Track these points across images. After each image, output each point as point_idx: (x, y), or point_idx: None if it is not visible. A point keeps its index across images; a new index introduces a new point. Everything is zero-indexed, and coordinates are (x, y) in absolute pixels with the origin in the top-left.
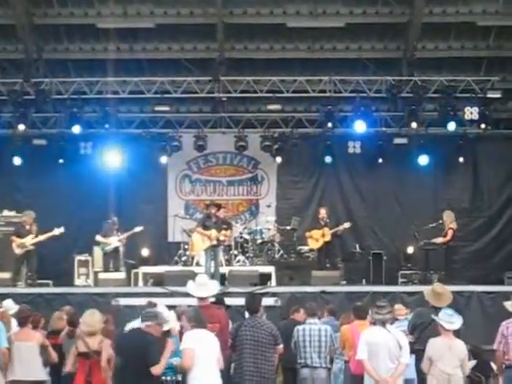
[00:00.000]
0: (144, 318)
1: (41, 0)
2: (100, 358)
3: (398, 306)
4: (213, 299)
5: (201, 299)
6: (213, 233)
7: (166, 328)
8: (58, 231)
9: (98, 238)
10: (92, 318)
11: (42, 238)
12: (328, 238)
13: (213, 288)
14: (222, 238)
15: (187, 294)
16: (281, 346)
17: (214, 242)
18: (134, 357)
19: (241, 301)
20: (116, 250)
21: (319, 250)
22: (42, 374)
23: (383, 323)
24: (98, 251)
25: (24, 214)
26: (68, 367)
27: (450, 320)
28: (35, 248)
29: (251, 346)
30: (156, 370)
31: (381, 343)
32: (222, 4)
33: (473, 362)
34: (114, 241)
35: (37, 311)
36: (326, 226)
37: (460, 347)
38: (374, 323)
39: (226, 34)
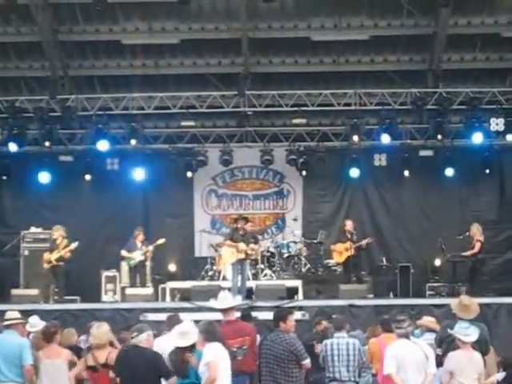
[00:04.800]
0: (136, 331)
1: (66, 17)
2: (108, 372)
3: (431, 319)
4: (239, 314)
5: (226, 314)
6: (241, 246)
7: (190, 342)
8: (73, 245)
9: (123, 252)
10: (99, 331)
11: (61, 253)
12: (352, 252)
13: (232, 300)
14: (249, 251)
15: (214, 309)
16: (306, 362)
17: (242, 255)
18: (144, 372)
19: (268, 315)
20: (142, 264)
21: (344, 264)
22: None
23: (406, 336)
24: (124, 267)
25: (54, 228)
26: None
27: (466, 332)
28: (63, 264)
29: (269, 360)
30: (172, 381)
31: (407, 356)
32: (246, 19)
33: (502, 374)
34: (138, 255)
35: (64, 328)
36: (351, 240)
37: (479, 360)
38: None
39: (250, 48)
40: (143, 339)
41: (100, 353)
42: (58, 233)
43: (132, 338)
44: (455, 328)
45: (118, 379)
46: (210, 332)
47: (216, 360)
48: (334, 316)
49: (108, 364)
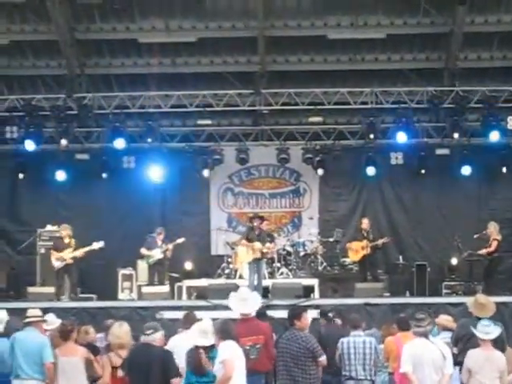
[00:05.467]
0: (151, 328)
1: (83, 15)
2: None
3: (448, 317)
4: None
5: (243, 314)
6: (256, 245)
7: (211, 342)
8: (97, 245)
9: (143, 250)
10: (120, 330)
11: (81, 251)
12: (367, 251)
13: (254, 303)
14: (265, 250)
15: (232, 309)
16: (322, 359)
17: (258, 255)
18: (153, 369)
19: (284, 313)
20: (161, 262)
21: (360, 263)
22: None
23: (425, 335)
24: (141, 265)
25: (61, 227)
26: (105, 380)
27: (486, 330)
28: (75, 262)
29: (286, 358)
30: (177, 381)
31: (424, 355)
32: (263, 17)
33: None
34: (158, 253)
35: (80, 325)
36: (367, 238)
37: (499, 359)
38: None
39: (267, 46)
40: (157, 338)
41: (124, 352)
42: (66, 232)
43: (147, 335)
44: (477, 326)
45: (127, 377)
46: (225, 330)
47: (231, 358)
48: (330, 314)
49: None
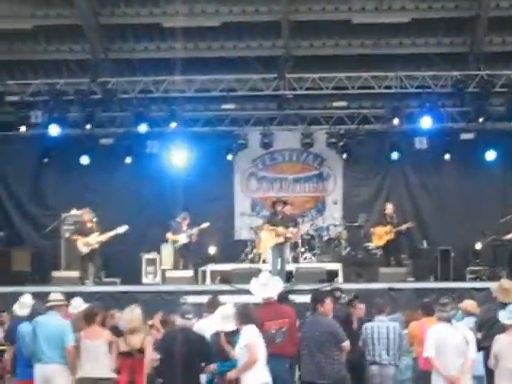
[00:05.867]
0: (191, 313)
1: (107, 0)
2: (143, 357)
3: (472, 302)
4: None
5: (265, 299)
6: (280, 230)
7: (234, 327)
8: (120, 229)
9: (169, 235)
10: (132, 315)
11: (106, 236)
12: (391, 236)
13: (276, 287)
14: (288, 235)
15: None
16: (346, 344)
17: (282, 239)
18: (191, 354)
19: (308, 298)
20: (186, 247)
21: (384, 248)
22: (110, 371)
23: (448, 320)
24: (165, 249)
25: (82, 212)
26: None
27: (510, 316)
28: (100, 247)
29: (310, 344)
30: (213, 367)
31: (448, 340)
32: (287, 1)
33: None
34: (183, 238)
35: (105, 310)
36: (391, 224)
37: None
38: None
39: (291, 31)
40: (194, 323)
41: (134, 337)
42: (88, 217)
43: (187, 318)
44: (502, 311)
45: (160, 359)
46: (245, 315)
47: (255, 342)
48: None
49: (143, 349)
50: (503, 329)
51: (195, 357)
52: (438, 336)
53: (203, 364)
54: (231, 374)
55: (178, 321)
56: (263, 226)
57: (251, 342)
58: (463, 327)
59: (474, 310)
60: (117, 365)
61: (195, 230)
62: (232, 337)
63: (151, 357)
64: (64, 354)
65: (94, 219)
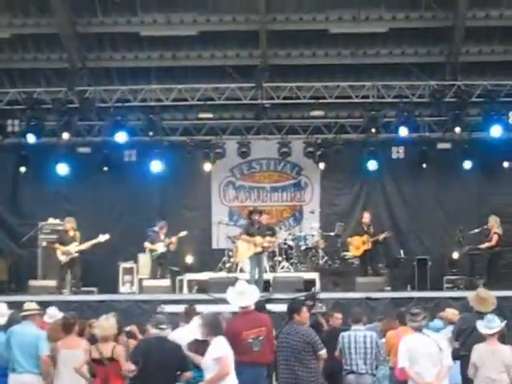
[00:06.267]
0: (165, 323)
1: (84, 9)
2: (114, 365)
3: (454, 311)
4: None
5: (241, 307)
6: (257, 239)
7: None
8: (102, 238)
9: (146, 244)
10: (107, 323)
11: (87, 245)
12: (369, 245)
13: (252, 295)
14: (266, 244)
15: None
16: (322, 352)
17: (259, 249)
18: (167, 364)
19: (285, 307)
20: (164, 256)
21: (361, 257)
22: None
23: (419, 329)
24: (142, 258)
25: (65, 220)
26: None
27: (489, 325)
28: (79, 255)
29: (286, 353)
30: (189, 375)
31: (419, 349)
32: (264, 11)
33: None
34: (161, 247)
35: (82, 319)
36: (368, 233)
37: (504, 353)
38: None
39: (268, 40)
40: (169, 333)
41: (105, 346)
42: (70, 225)
43: (161, 329)
44: (480, 321)
45: (136, 369)
46: (215, 325)
47: (227, 355)
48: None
49: (114, 358)
50: (481, 338)
51: (170, 365)
52: (410, 346)
53: (179, 372)
54: (189, 376)
55: (152, 331)
56: (240, 236)
57: (224, 356)
58: (436, 336)
59: (455, 319)
60: (93, 369)
61: (173, 239)
62: (208, 346)
63: (126, 367)
64: (38, 363)
65: (75, 228)
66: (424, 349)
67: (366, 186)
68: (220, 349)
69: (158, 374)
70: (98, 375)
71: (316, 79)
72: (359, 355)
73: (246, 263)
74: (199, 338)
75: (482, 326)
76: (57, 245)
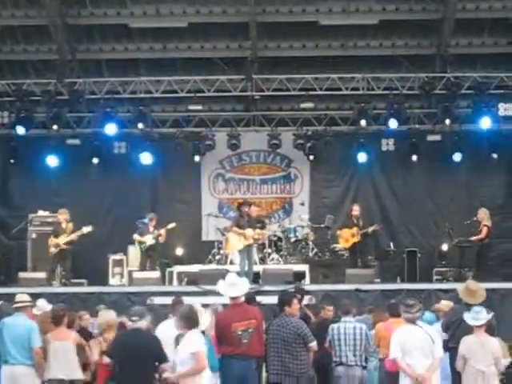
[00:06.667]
0: (137, 315)
1: (74, 0)
2: None
3: (449, 303)
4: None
5: (232, 298)
6: (248, 232)
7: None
8: (86, 229)
9: (135, 236)
10: (109, 313)
11: (71, 237)
12: (358, 238)
13: (243, 287)
14: (256, 236)
15: (221, 293)
16: (313, 344)
17: (251, 241)
18: (144, 355)
19: (275, 299)
20: (153, 248)
21: (350, 250)
22: (79, 372)
23: (413, 321)
24: (132, 250)
25: (58, 212)
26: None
27: (476, 317)
28: (69, 247)
29: (277, 344)
30: (166, 367)
31: (412, 341)
32: (254, 2)
33: (509, 360)
34: (150, 239)
35: (71, 310)
36: (357, 226)
37: (493, 344)
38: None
39: (258, 32)
40: (144, 325)
41: (111, 335)
42: (63, 217)
43: (133, 321)
44: (467, 313)
45: (115, 364)
46: (191, 318)
47: (203, 350)
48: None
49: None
50: (470, 329)
51: (147, 357)
52: (403, 337)
53: (157, 363)
54: (173, 377)
55: (128, 323)
56: (231, 228)
57: (200, 350)
58: (429, 328)
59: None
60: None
61: (162, 231)
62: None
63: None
64: (31, 355)
65: (68, 220)
66: (417, 341)
67: (356, 178)
68: (196, 343)
69: (135, 366)
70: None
71: (306, 71)
72: (348, 347)
73: (235, 255)
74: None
75: (469, 318)
76: (51, 237)
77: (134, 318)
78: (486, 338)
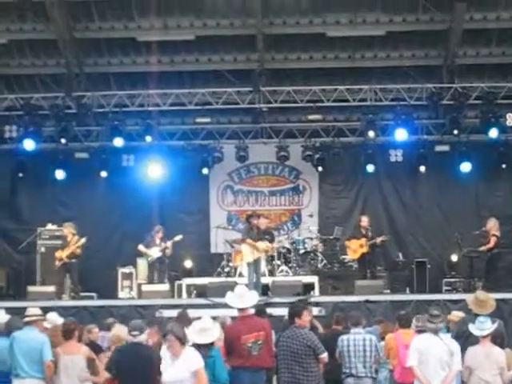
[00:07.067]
0: (137, 329)
1: (81, 14)
2: None
3: (461, 314)
4: (253, 310)
5: (242, 310)
6: (260, 245)
7: (211, 339)
8: (81, 241)
9: (140, 247)
10: (121, 328)
11: (72, 248)
12: (366, 249)
13: (252, 298)
14: (266, 249)
15: (230, 306)
16: (324, 356)
17: (263, 254)
18: (141, 369)
19: (284, 311)
20: (160, 260)
21: (359, 260)
22: None
23: (436, 332)
24: (141, 263)
25: (64, 226)
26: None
27: (481, 327)
28: (76, 261)
29: (287, 356)
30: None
31: (431, 351)
32: (261, 15)
33: None
34: (156, 251)
35: (81, 324)
36: (366, 237)
37: (498, 355)
38: (419, 331)
39: (265, 44)
40: (143, 338)
41: None
42: (68, 230)
43: (133, 336)
44: (472, 324)
45: (114, 378)
46: (185, 334)
47: (203, 365)
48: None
49: None
50: (479, 340)
51: (146, 371)
52: (422, 346)
53: (159, 377)
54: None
55: (128, 338)
56: (244, 241)
57: (200, 368)
58: (449, 339)
59: None
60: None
61: (169, 244)
62: (208, 350)
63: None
64: (42, 368)
65: (74, 233)
66: (435, 351)
67: (365, 189)
68: (196, 360)
69: (134, 381)
70: None
71: (313, 83)
72: (358, 358)
73: (244, 267)
74: (199, 342)
75: (474, 328)
76: (58, 250)
77: (134, 333)
78: (492, 348)
